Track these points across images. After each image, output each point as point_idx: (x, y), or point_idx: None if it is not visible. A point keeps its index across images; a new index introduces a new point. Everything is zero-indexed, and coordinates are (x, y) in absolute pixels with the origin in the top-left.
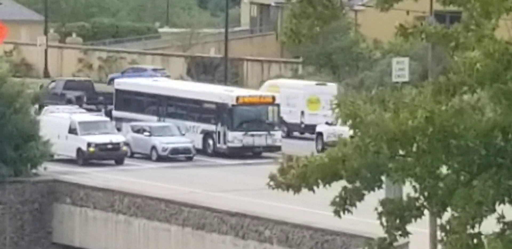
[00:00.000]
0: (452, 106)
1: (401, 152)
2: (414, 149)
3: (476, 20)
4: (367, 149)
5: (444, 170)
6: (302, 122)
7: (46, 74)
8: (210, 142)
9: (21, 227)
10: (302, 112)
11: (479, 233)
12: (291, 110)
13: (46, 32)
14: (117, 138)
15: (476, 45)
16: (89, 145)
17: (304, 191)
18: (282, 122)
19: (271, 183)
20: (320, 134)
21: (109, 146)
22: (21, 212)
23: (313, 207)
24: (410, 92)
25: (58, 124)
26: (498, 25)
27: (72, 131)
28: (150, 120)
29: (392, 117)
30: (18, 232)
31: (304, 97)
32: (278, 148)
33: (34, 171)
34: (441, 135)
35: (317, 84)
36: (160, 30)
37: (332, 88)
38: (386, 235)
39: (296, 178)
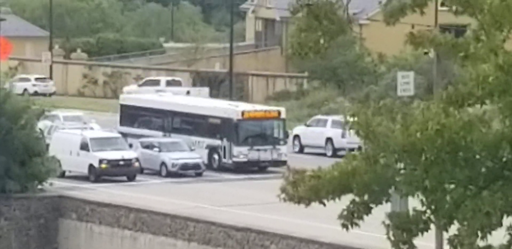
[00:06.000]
0: (461, 119)
1: (409, 164)
2: (422, 160)
3: (487, 31)
4: (376, 160)
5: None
6: None
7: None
8: (216, 156)
9: (27, 242)
10: None
11: (489, 246)
12: None
13: (51, 48)
14: (129, 154)
15: (486, 56)
16: (101, 161)
17: (310, 205)
18: None
19: (283, 196)
20: None
21: (121, 162)
22: (27, 228)
23: (319, 221)
24: (418, 105)
25: (69, 140)
26: (509, 36)
27: (84, 147)
28: (155, 136)
29: (401, 129)
30: (24, 248)
31: None
32: (283, 163)
33: (40, 186)
34: (449, 147)
35: None
36: (165, 45)
37: None
38: None
39: (307, 191)
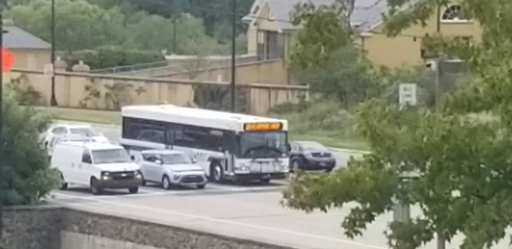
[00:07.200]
0: (467, 126)
1: (414, 171)
2: (428, 167)
3: (496, 37)
4: (380, 164)
5: (453, 193)
6: None
7: (53, 102)
8: (218, 169)
9: None
10: None
11: None
12: None
13: (53, 60)
14: (131, 166)
15: (495, 62)
16: (103, 173)
17: (311, 217)
18: None
19: (285, 201)
20: None
21: (123, 174)
22: (29, 240)
23: (321, 233)
24: (424, 112)
25: (71, 152)
26: None
27: (86, 159)
28: (157, 148)
29: (407, 133)
30: None
31: None
32: (285, 175)
33: (42, 198)
34: (454, 154)
35: None
36: (167, 57)
37: None
38: None
39: (309, 197)
